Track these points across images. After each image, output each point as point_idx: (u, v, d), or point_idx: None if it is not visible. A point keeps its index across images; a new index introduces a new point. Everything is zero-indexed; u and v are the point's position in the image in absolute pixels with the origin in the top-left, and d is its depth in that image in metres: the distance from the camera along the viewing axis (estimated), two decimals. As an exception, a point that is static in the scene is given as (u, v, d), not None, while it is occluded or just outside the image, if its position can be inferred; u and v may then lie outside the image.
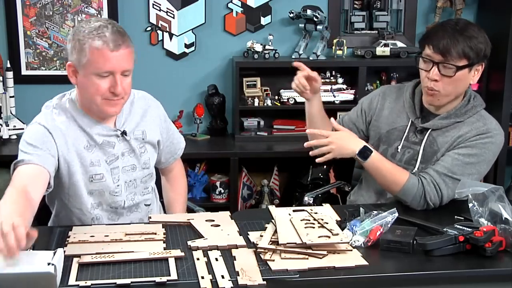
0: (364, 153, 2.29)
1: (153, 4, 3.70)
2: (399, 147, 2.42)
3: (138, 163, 2.24)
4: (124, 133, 2.19)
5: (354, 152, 2.30)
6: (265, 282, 1.69)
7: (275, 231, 1.97)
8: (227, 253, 1.86)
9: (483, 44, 2.26)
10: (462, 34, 2.23)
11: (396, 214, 1.99)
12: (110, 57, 2.01)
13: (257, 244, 1.89)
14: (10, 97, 3.57)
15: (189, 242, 1.92)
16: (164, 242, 1.93)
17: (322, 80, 3.72)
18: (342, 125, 2.52)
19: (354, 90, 3.70)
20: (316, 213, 2.11)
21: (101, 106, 2.09)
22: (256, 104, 3.68)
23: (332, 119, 2.40)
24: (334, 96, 3.68)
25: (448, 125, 2.36)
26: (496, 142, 2.33)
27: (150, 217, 2.15)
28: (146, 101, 2.33)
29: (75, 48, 2.04)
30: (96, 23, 2.05)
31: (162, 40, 3.75)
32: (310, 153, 2.37)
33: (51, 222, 2.31)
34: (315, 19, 3.65)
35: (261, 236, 1.96)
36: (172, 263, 1.77)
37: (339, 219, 2.13)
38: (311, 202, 2.74)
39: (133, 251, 1.84)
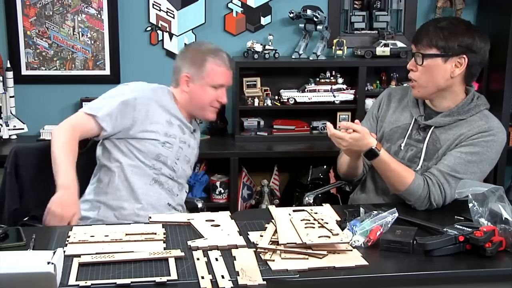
0: (370, 155, 2.28)
1: (153, 4, 3.70)
2: (402, 144, 2.43)
3: (189, 160, 2.62)
4: (194, 130, 2.65)
5: (361, 152, 2.32)
6: (265, 282, 1.69)
7: (275, 231, 1.97)
8: (227, 253, 1.86)
9: (460, 36, 2.28)
10: (437, 25, 2.30)
11: (396, 214, 1.99)
12: (226, 74, 2.57)
13: (257, 244, 1.90)
14: (10, 97, 3.57)
15: (189, 242, 1.92)
16: (164, 242, 1.93)
17: (322, 80, 3.74)
18: None
19: (354, 90, 3.70)
20: (316, 213, 2.11)
21: (205, 112, 2.60)
22: (256, 104, 3.68)
23: (356, 121, 2.33)
24: (334, 96, 3.68)
25: (450, 123, 2.37)
26: (499, 140, 2.34)
27: (150, 217, 2.15)
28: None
29: (195, 63, 2.54)
30: (211, 46, 2.59)
31: (162, 40, 3.75)
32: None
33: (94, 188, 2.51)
34: (315, 19, 3.65)
35: (261, 236, 1.96)
36: (172, 263, 1.77)
37: (339, 219, 2.13)
38: (311, 202, 2.74)
39: (133, 251, 1.84)
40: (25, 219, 2.36)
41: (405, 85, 3.20)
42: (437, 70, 2.30)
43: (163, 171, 2.50)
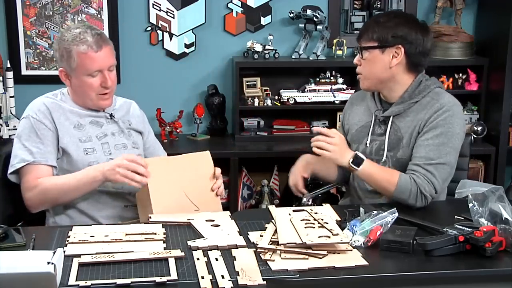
0: (357, 160, 2.33)
1: (153, 4, 3.70)
2: (367, 142, 2.50)
3: (128, 142, 2.47)
4: (111, 115, 2.45)
5: (347, 160, 2.34)
6: (265, 282, 1.69)
7: (275, 231, 1.97)
8: (227, 253, 1.86)
9: (394, 28, 2.38)
10: (374, 20, 2.45)
11: (396, 214, 1.99)
12: (96, 57, 2.31)
13: (257, 244, 1.90)
14: (10, 97, 3.57)
15: (189, 242, 1.92)
16: (164, 242, 1.93)
17: (322, 80, 3.74)
18: None
19: (354, 90, 3.69)
20: (316, 213, 2.11)
21: (96, 101, 2.39)
22: (256, 104, 3.68)
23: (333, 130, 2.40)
24: (334, 96, 3.69)
25: (405, 109, 2.43)
26: (455, 113, 2.39)
27: (150, 217, 2.14)
28: (129, 103, 2.60)
29: (63, 56, 2.34)
30: (76, 30, 2.34)
31: (162, 40, 3.75)
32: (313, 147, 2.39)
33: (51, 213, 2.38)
34: (315, 19, 3.65)
35: (261, 236, 1.96)
36: (172, 263, 1.77)
37: (339, 219, 2.13)
38: (310, 202, 2.74)
39: (133, 251, 1.84)
40: (19, 224, 2.33)
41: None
42: (376, 61, 2.41)
43: None
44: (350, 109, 2.64)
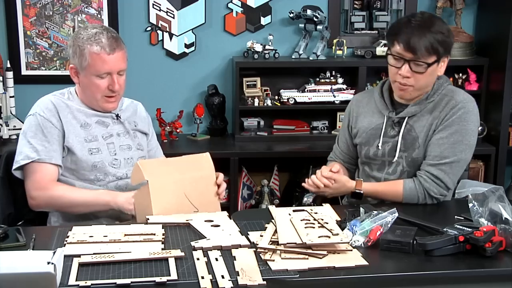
0: (355, 196, 2.40)
1: (153, 4, 3.70)
2: (379, 144, 2.48)
3: (133, 144, 2.48)
4: (118, 116, 2.46)
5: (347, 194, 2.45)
6: (265, 282, 1.69)
7: (275, 231, 1.97)
8: (227, 253, 1.86)
9: (449, 38, 2.36)
10: (429, 30, 2.31)
11: (396, 214, 1.99)
12: (107, 60, 2.32)
13: (257, 244, 1.90)
14: (10, 97, 3.57)
15: (192, 243, 1.91)
16: (162, 243, 1.92)
17: (322, 80, 3.74)
18: (339, 150, 2.67)
19: (354, 90, 3.70)
20: (316, 213, 2.11)
21: (101, 103, 2.39)
22: (256, 104, 3.68)
23: (335, 166, 2.46)
24: (334, 96, 3.68)
25: (422, 109, 2.42)
26: (469, 109, 2.38)
27: (148, 218, 2.13)
28: (135, 104, 2.60)
29: (76, 53, 2.35)
30: (93, 30, 2.35)
31: (162, 40, 3.75)
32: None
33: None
34: (315, 19, 3.65)
35: (261, 236, 1.96)
36: (172, 263, 1.77)
37: (339, 219, 2.13)
38: (311, 202, 2.74)
39: (131, 252, 1.83)
40: (19, 223, 2.34)
41: (369, 88, 3.26)
42: (433, 73, 2.37)
43: (108, 178, 2.38)
44: (357, 112, 2.59)
